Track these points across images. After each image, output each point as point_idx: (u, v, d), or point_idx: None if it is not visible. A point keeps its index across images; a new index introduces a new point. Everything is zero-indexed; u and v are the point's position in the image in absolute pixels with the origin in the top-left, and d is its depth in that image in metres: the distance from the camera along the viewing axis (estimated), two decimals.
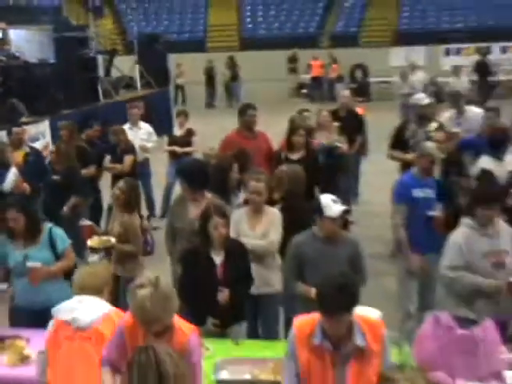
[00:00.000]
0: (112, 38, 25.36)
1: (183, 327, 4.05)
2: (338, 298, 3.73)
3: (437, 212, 7.05)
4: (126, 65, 22.14)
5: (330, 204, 5.52)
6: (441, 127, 9.67)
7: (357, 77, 29.12)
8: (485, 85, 24.07)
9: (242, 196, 7.45)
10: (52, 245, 6.09)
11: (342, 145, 10.03)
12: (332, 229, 5.58)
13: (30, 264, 5.98)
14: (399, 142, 9.43)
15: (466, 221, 5.73)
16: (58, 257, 6.10)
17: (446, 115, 11.20)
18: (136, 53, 22.31)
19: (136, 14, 31.89)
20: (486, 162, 8.30)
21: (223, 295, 5.56)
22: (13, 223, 6.04)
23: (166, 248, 6.95)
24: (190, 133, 12.00)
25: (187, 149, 11.74)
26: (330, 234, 5.60)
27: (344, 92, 12.32)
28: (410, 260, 7.02)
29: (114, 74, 21.43)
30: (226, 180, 7.35)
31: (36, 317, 5.74)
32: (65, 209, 9.09)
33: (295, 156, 8.73)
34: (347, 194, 10.82)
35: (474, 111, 10.70)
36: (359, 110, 12.06)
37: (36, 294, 5.94)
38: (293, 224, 6.08)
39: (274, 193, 6.98)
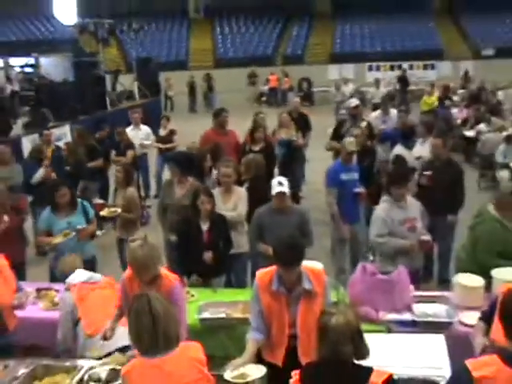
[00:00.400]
0: (116, 61, 25.02)
1: (169, 276, 4.04)
2: (290, 254, 3.74)
3: (360, 189, 7.02)
4: (128, 81, 21.90)
5: (276, 185, 5.51)
6: (369, 125, 9.67)
7: (303, 87, 29.02)
8: (405, 93, 24.29)
9: (212, 178, 7.44)
10: (85, 213, 6.17)
11: (297, 139, 9.99)
12: (278, 203, 5.56)
13: (79, 226, 6.03)
14: (337, 135, 9.41)
15: (384, 197, 5.72)
16: (88, 222, 6.17)
17: (374, 115, 11.23)
18: (135, 72, 22.08)
19: (134, 42, 31.50)
20: (399, 149, 8.35)
21: (208, 255, 5.57)
22: (62, 198, 6.03)
23: (158, 220, 6.88)
24: (171, 132, 11.95)
25: (169, 145, 11.67)
26: (279, 207, 5.58)
27: (295, 98, 12.25)
28: (341, 229, 6.97)
29: (118, 88, 21.19)
30: (202, 167, 7.32)
31: None
32: (77, 192, 8.94)
33: (257, 148, 8.72)
34: (300, 177, 10.88)
35: (394, 112, 10.76)
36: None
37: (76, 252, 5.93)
38: (257, 199, 6.05)
39: (242, 176, 7.01)
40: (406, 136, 8.65)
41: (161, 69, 24.41)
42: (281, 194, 5.49)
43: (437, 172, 7.08)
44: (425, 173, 7.17)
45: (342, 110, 10.87)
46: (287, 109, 11.07)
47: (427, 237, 5.59)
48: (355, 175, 7.08)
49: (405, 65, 29.14)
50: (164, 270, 4.03)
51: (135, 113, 12.15)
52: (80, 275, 4.76)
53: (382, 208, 5.63)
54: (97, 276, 4.81)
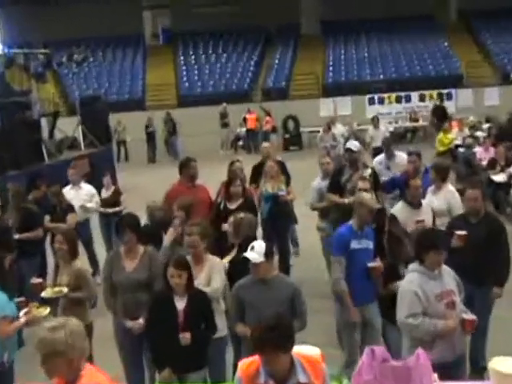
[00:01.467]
0: (54, 101, 25.11)
1: (93, 377, 3.92)
2: (269, 338, 3.73)
3: (376, 263, 6.84)
4: (70, 126, 22.01)
5: (249, 251, 5.59)
6: (374, 173, 9.71)
7: (289, 128, 29.40)
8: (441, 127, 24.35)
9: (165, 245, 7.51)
10: None
11: (285, 193, 10.09)
12: (256, 272, 5.62)
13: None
14: (336, 186, 9.46)
15: (413, 266, 5.61)
16: None
17: (377, 159, 11.27)
18: (78, 114, 22.23)
19: (77, 77, 31.85)
20: (398, 207, 8.16)
21: (185, 337, 5.58)
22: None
23: (104, 301, 6.82)
24: (117, 192, 12.08)
25: (117, 209, 11.81)
26: (259, 277, 5.63)
27: (264, 143, 12.22)
28: (350, 311, 6.80)
29: (58, 135, 21.28)
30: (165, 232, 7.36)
31: None
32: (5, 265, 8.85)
33: (233, 205, 8.79)
34: (288, 240, 10.88)
35: (403, 157, 10.80)
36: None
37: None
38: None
39: (231, 239, 7.14)
40: None
41: (111, 109, 24.68)
42: (254, 265, 5.57)
43: (472, 231, 7.03)
44: (457, 232, 7.09)
45: (323, 159, 10.79)
46: (265, 155, 11.18)
47: (471, 315, 5.58)
48: (370, 244, 6.92)
49: (414, 95, 29.66)
50: (90, 368, 3.96)
51: (73, 168, 12.19)
52: None
53: (412, 280, 5.50)
54: None
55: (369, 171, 9.69)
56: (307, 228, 11.02)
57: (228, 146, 29.39)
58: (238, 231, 7.05)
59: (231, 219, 7.27)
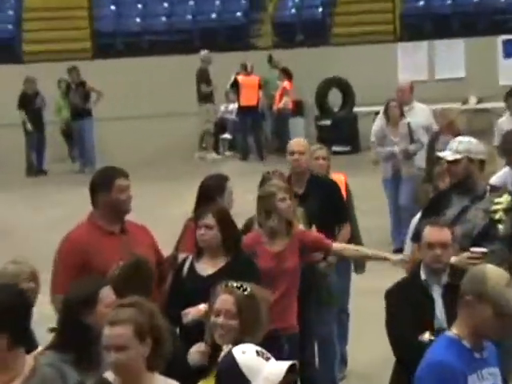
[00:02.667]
0: None
1: None
2: None
3: None
4: None
5: (257, 363, 5.33)
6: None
7: (331, 105, 29.68)
8: None
9: None
10: None
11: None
12: None
13: None
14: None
15: None
16: None
17: (496, 178, 11.92)
18: None
19: None
20: None
21: None
22: None
23: None
24: None
25: None
26: None
27: (295, 143, 12.21)
28: None
29: None
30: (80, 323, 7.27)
31: None
32: None
33: (209, 269, 9.12)
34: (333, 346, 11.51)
35: None
36: (338, 177, 12.42)
37: None
38: None
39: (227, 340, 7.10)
40: None
41: None
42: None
43: None
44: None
45: (440, 167, 10.97)
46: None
47: None
48: (497, 374, 6.77)
49: None
50: None
51: None
52: None
53: None
54: None
55: (507, 197, 9.85)
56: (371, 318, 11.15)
57: (206, 144, 30.10)
58: (253, 325, 7.15)
59: (224, 297, 7.25)
